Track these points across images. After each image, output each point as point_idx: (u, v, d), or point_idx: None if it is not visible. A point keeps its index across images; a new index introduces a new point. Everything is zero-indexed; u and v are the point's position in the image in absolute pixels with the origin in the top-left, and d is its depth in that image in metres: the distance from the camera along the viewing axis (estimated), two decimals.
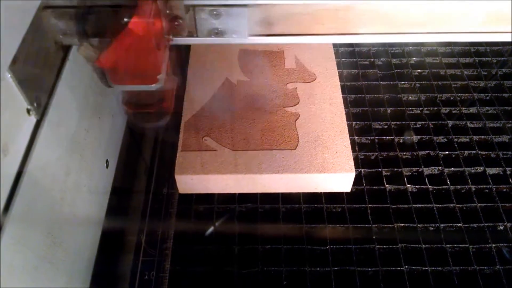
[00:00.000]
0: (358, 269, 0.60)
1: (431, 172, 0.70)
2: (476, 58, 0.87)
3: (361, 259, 0.61)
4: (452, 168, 0.70)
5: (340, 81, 0.72)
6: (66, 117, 0.45)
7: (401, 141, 0.73)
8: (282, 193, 0.66)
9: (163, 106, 0.45)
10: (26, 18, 0.38)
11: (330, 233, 0.63)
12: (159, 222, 0.65)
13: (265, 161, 0.61)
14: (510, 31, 0.40)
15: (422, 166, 0.70)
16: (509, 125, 0.76)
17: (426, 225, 0.64)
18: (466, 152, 0.72)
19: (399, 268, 0.60)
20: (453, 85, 0.82)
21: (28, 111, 0.38)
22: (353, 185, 0.63)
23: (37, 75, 0.40)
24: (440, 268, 0.60)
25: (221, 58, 0.75)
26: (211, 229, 0.65)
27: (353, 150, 0.68)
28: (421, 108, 0.78)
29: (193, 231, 0.64)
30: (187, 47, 0.77)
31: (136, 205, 0.68)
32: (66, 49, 0.44)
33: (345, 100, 0.71)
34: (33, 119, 0.39)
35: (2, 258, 0.33)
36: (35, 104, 0.39)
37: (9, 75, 0.35)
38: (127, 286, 0.60)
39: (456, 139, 0.74)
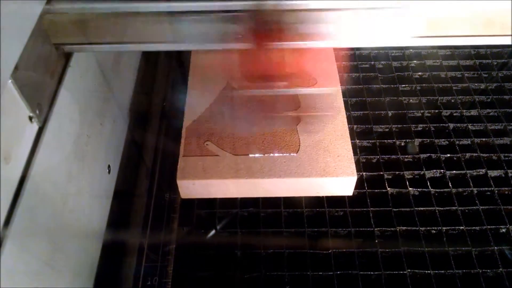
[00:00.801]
0: (361, 273, 0.60)
1: (432, 175, 0.70)
2: (476, 60, 0.87)
3: (363, 263, 0.61)
4: (454, 171, 0.70)
5: (341, 85, 0.72)
6: (68, 124, 0.45)
7: (402, 144, 0.73)
8: (284, 197, 0.66)
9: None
10: (28, 25, 0.38)
11: (332, 237, 0.63)
12: (161, 227, 0.65)
13: (266, 165, 0.61)
14: (510, 34, 0.40)
15: (424, 169, 0.70)
16: (510, 127, 0.75)
17: (428, 228, 0.64)
18: (468, 155, 0.72)
19: (401, 272, 0.59)
20: (453, 88, 0.82)
21: (30, 118, 0.38)
22: (355, 188, 0.63)
23: (39, 82, 0.40)
24: (443, 271, 0.60)
25: (222, 62, 0.75)
26: (213, 233, 0.65)
27: (355, 153, 0.68)
28: (422, 111, 0.78)
29: (195, 236, 0.64)
30: (188, 52, 0.77)
31: (138, 210, 0.68)
32: (68, 56, 0.45)
33: (346, 104, 0.71)
34: (35, 126, 0.39)
35: (4, 263, 0.33)
36: (37, 112, 0.39)
37: (11, 82, 0.35)
38: None
39: (457, 142, 0.74)
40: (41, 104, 0.40)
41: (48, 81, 0.42)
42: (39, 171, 0.38)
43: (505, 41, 0.41)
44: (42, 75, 0.40)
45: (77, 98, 0.47)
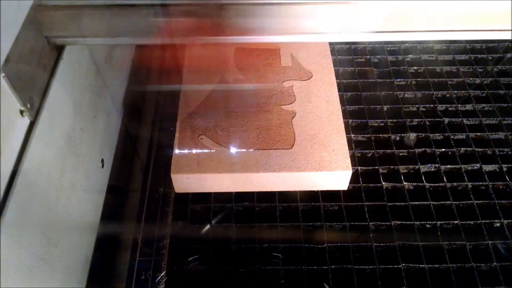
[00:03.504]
0: (356, 267, 0.60)
1: (427, 170, 0.70)
2: (471, 55, 0.87)
3: (358, 257, 0.61)
4: (449, 165, 0.70)
5: (336, 79, 0.72)
6: (61, 117, 0.45)
7: (397, 138, 0.73)
8: (279, 192, 0.66)
9: None
10: (19, 17, 0.37)
11: (327, 231, 0.63)
12: (155, 222, 0.65)
13: (261, 159, 0.61)
14: (509, 29, 0.40)
15: (419, 164, 0.70)
16: (505, 122, 0.76)
17: (423, 222, 0.64)
18: (463, 149, 0.72)
19: (396, 266, 0.60)
20: (449, 82, 0.82)
21: (22, 112, 0.38)
22: (350, 183, 0.63)
23: (31, 76, 0.39)
24: (437, 265, 0.60)
25: (216, 56, 0.74)
26: (208, 228, 0.64)
27: (350, 148, 0.68)
28: (417, 106, 0.78)
29: (189, 230, 0.64)
30: (183, 46, 0.76)
31: (132, 205, 0.68)
32: (60, 49, 0.44)
33: (341, 98, 0.70)
34: (26, 120, 0.39)
35: None
36: (29, 105, 0.38)
37: (2, 75, 0.35)
38: (123, 286, 0.60)
39: (452, 136, 0.74)
40: (33, 97, 0.39)
41: (40, 74, 0.41)
42: (31, 165, 0.38)
43: (505, 36, 0.41)
44: (34, 68, 0.40)
45: (69, 91, 0.47)
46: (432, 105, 0.78)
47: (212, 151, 0.62)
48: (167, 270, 0.60)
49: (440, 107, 0.78)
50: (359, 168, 0.69)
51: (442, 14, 0.40)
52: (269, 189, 0.64)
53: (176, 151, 0.62)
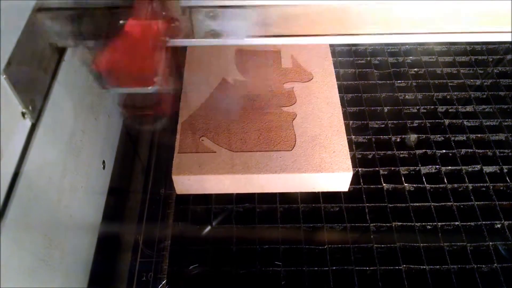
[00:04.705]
0: (356, 268, 0.60)
1: (428, 171, 0.70)
2: (472, 57, 0.87)
3: (359, 258, 0.61)
4: (449, 167, 0.70)
5: (337, 80, 0.72)
6: (62, 119, 0.45)
7: (398, 140, 0.73)
8: (280, 193, 0.66)
9: (159, 109, 0.44)
10: (20, 20, 0.37)
11: (328, 233, 0.63)
12: (156, 223, 0.65)
13: (262, 161, 0.61)
14: (510, 31, 0.40)
15: (419, 165, 0.70)
16: (506, 123, 0.76)
17: (423, 223, 0.64)
18: (463, 151, 0.72)
19: (397, 267, 0.60)
20: (449, 84, 0.82)
21: (23, 114, 0.38)
22: (351, 184, 0.63)
23: (32, 78, 0.39)
24: (438, 266, 0.60)
25: (217, 58, 0.75)
26: (209, 229, 0.64)
27: (350, 149, 0.68)
28: (418, 107, 0.78)
29: (190, 232, 0.64)
30: (184, 48, 0.77)
31: (133, 206, 0.68)
32: (61, 51, 0.44)
33: (342, 99, 0.70)
34: (28, 122, 0.39)
35: None
36: (30, 108, 0.38)
37: (4, 78, 0.35)
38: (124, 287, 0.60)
39: (453, 138, 0.74)
40: (34, 99, 0.39)
41: (41, 76, 0.41)
42: (33, 167, 0.38)
43: (505, 37, 0.41)
44: (36, 70, 0.40)
45: (71, 93, 0.47)
46: (432, 107, 0.78)
47: (213, 152, 0.62)
48: (168, 271, 0.60)
49: (441, 108, 0.78)
50: (359, 169, 0.69)
51: (442, 15, 0.41)
52: (270, 190, 0.64)
53: (177, 152, 0.62)
